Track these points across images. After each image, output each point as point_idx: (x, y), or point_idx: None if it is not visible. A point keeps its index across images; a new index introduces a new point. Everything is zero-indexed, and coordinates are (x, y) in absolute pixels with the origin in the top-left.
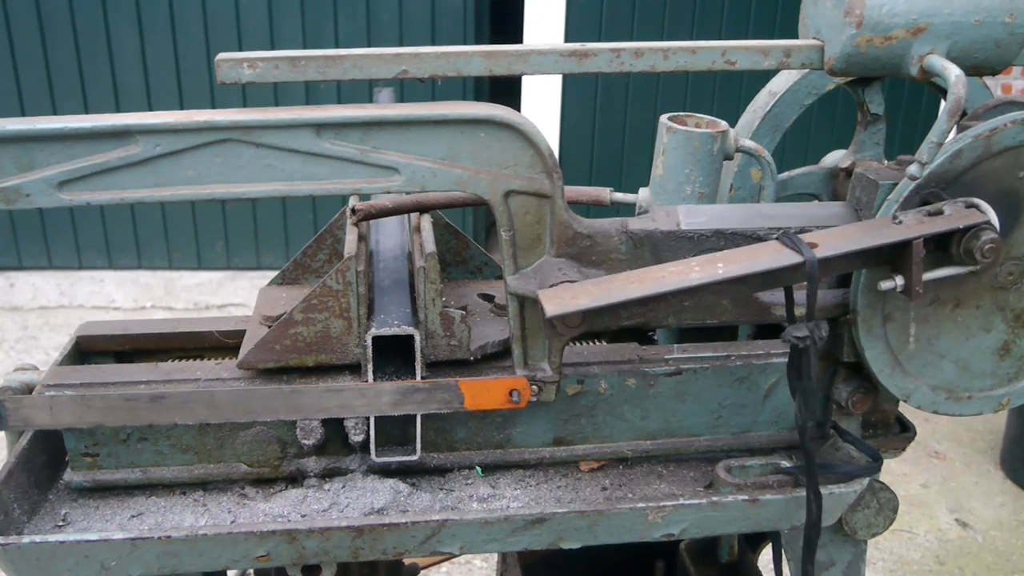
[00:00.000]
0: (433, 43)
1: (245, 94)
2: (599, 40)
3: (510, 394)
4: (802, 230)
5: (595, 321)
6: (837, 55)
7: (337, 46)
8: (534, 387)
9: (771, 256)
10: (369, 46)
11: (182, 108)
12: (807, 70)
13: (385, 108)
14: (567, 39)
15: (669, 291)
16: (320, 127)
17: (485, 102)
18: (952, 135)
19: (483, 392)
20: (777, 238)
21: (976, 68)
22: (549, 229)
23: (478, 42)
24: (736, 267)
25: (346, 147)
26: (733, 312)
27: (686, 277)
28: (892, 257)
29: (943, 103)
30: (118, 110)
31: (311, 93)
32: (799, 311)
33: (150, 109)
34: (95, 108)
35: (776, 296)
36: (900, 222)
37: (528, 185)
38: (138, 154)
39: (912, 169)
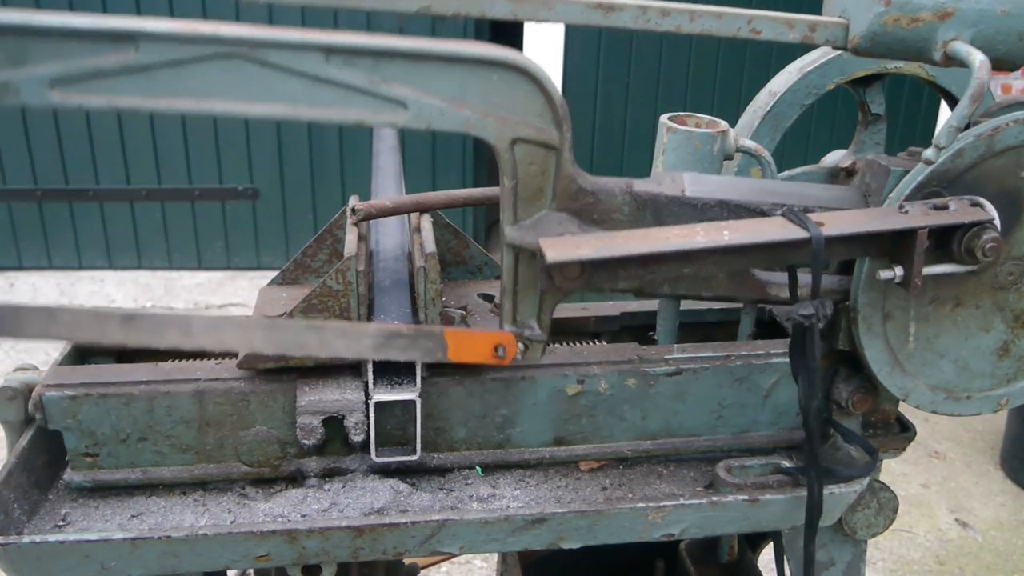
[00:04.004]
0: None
1: None
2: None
3: (495, 349)
4: (806, 209)
5: (593, 277)
6: (863, 33)
7: None
8: (521, 344)
9: (777, 230)
10: None
11: None
12: (808, 70)
13: (397, 39)
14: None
15: (672, 251)
16: (330, 51)
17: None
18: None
19: (468, 343)
20: (782, 214)
21: (996, 61)
22: (552, 182)
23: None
24: (742, 235)
25: (355, 75)
26: (729, 287)
27: (691, 239)
28: (894, 247)
29: (964, 93)
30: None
31: None
32: (802, 292)
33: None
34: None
35: (772, 275)
36: (906, 212)
37: (536, 134)
38: (137, 60)
39: (928, 153)
